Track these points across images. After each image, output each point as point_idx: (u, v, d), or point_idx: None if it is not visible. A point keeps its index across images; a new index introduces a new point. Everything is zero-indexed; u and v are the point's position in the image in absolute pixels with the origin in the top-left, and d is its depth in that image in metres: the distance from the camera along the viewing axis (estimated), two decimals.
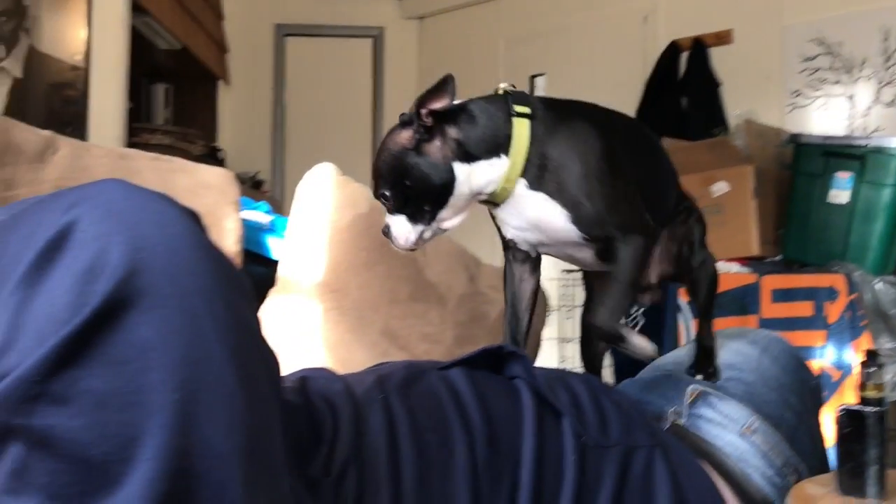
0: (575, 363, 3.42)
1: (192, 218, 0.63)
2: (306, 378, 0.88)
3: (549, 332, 3.44)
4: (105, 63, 3.18)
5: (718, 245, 2.76)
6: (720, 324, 2.71)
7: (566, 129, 1.11)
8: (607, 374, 3.24)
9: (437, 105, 1.04)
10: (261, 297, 1.59)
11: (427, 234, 1.09)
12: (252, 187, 4.51)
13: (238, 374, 0.58)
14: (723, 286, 2.61)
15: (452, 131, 1.06)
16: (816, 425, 1.16)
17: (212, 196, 1.43)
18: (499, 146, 1.07)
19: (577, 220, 1.09)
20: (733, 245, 2.78)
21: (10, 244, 0.58)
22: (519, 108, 1.08)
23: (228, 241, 1.43)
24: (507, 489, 0.83)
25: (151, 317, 0.55)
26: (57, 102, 3.10)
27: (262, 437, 0.61)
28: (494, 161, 1.07)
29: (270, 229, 1.69)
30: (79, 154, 1.27)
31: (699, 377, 1.17)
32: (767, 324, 2.51)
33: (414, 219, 1.08)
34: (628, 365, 2.77)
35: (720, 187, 2.81)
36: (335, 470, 0.74)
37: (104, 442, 0.53)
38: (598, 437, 0.93)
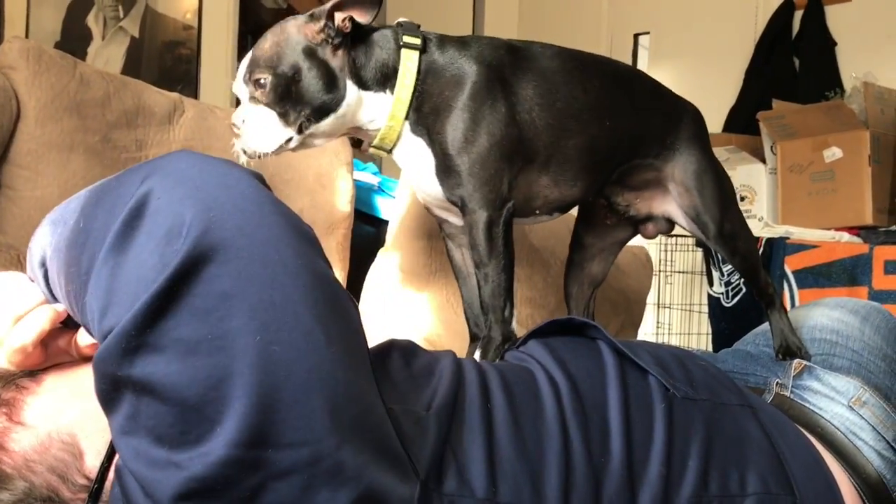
0: (672, 329, 3.38)
1: (256, 178, 0.68)
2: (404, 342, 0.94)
3: (648, 298, 3.41)
4: (215, 22, 3.27)
5: (829, 213, 2.71)
6: (829, 294, 2.62)
7: (453, 68, 1.00)
8: (704, 343, 3.20)
9: (360, 16, 0.97)
10: (370, 255, 1.63)
11: (292, 145, 0.98)
12: (352, 146, 4.59)
13: (313, 313, 0.63)
14: (832, 255, 2.55)
15: (354, 51, 0.99)
16: None
17: (326, 157, 1.47)
18: (387, 79, 0.99)
19: (441, 173, 1.01)
20: (845, 213, 2.68)
21: (98, 217, 0.64)
22: (408, 39, 1.00)
23: (342, 201, 1.46)
24: (597, 435, 0.84)
25: (228, 268, 0.60)
26: (169, 60, 3.21)
27: (344, 368, 0.65)
28: (381, 95, 0.99)
29: (379, 190, 1.72)
30: (203, 115, 1.32)
31: (787, 360, 1.12)
32: (879, 296, 2.42)
33: (286, 119, 0.96)
34: (728, 332, 2.73)
35: (833, 153, 2.71)
36: (435, 407, 0.77)
37: (198, 385, 0.59)
38: (686, 389, 0.93)
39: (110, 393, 0.63)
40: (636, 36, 4.44)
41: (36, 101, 1.10)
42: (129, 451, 0.64)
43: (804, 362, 1.08)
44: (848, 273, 2.51)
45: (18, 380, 0.77)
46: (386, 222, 1.69)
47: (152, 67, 3.14)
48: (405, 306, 1.54)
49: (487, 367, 0.90)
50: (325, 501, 0.62)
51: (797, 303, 2.62)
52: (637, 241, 1.34)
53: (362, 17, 0.97)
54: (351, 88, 0.98)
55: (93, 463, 0.74)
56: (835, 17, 3.60)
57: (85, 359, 0.81)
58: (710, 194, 1.15)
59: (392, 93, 0.99)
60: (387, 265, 1.53)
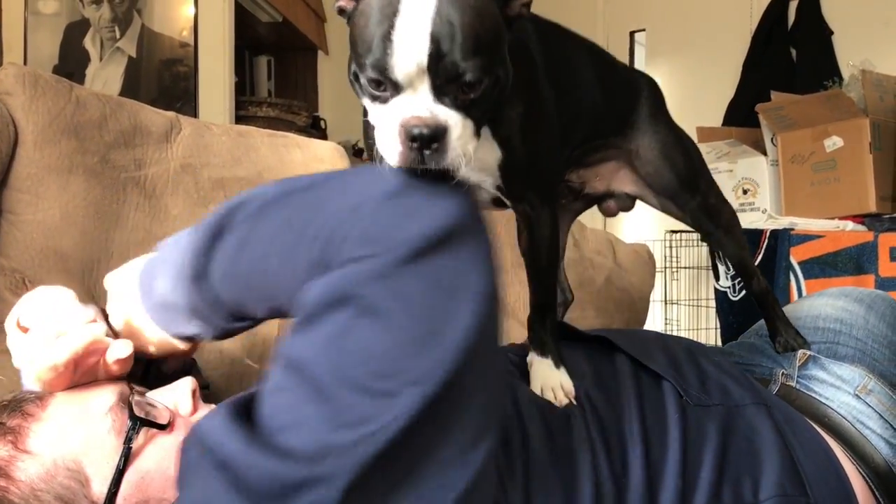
0: (681, 325, 3.37)
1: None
2: None
3: (655, 295, 3.41)
4: (212, 38, 3.28)
5: (833, 202, 2.70)
6: (835, 283, 2.62)
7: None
8: (713, 337, 3.19)
9: None
10: None
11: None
12: (354, 155, 4.60)
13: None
14: (837, 245, 2.55)
15: None
16: None
17: (324, 169, 1.47)
18: None
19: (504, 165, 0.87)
20: (848, 202, 2.68)
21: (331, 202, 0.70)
22: None
23: None
24: (617, 448, 0.85)
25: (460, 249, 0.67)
26: (168, 78, 3.22)
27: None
28: None
29: None
30: (200, 133, 1.33)
31: (783, 351, 1.12)
32: (885, 283, 2.42)
33: (476, 132, 0.74)
34: (736, 326, 2.72)
35: (834, 142, 2.70)
36: None
37: (421, 321, 0.64)
38: (699, 395, 0.93)
39: None
40: (632, 33, 4.44)
41: (34, 126, 1.11)
42: None
43: (808, 352, 1.07)
44: (854, 261, 2.51)
45: (24, 406, 0.78)
46: None
47: (151, 86, 3.16)
48: None
49: (517, 384, 0.92)
50: None
51: (804, 294, 2.61)
52: (639, 237, 1.34)
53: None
54: None
55: (100, 489, 0.75)
56: (830, 6, 3.59)
57: (107, 378, 0.82)
58: (684, 169, 1.11)
59: None
60: None
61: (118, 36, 2.98)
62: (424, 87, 0.69)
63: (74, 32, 2.91)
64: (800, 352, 1.08)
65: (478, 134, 0.74)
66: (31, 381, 0.79)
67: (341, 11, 0.79)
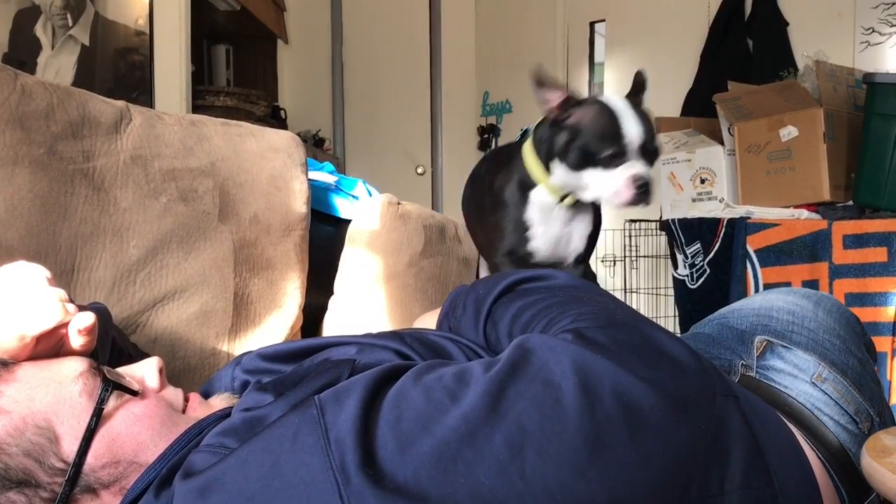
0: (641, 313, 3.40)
1: None
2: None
3: (615, 284, 3.43)
4: (167, 27, 3.23)
5: (788, 191, 2.74)
6: (791, 271, 2.66)
7: None
8: (671, 325, 3.23)
9: None
10: (329, 255, 1.62)
11: None
12: (314, 145, 4.56)
13: None
14: (792, 233, 2.58)
15: None
16: (875, 374, 1.15)
17: (280, 159, 1.45)
18: None
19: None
20: (803, 191, 2.71)
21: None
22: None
23: (297, 202, 1.45)
24: None
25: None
26: (123, 68, 3.16)
27: None
28: None
29: (336, 189, 1.71)
30: (152, 123, 1.30)
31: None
32: (839, 270, 2.46)
33: None
34: (695, 314, 2.75)
35: (789, 132, 2.74)
36: None
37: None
38: None
39: None
40: (592, 24, 4.46)
41: None
42: None
43: (766, 340, 1.09)
44: (808, 249, 2.55)
45: None
46: (346, 221, 1.68)
47: (106, 75, 3.09)
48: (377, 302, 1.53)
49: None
50: None
51: (761, 281, 2.64)
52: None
53: None
54: None
55: (70, 447, 0.77)
56: None
57: (68, 353, 0.85)
58: None
59: None
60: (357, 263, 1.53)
61: (70, 24, 2.92)
62: (639, 158, 1.22)
63: (24, 19, 2.84)
64: (757, 340, 1.10)
65: None
66: None
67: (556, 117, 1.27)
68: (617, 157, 1.20)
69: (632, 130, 1.21)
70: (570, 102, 1.25)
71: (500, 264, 1.33)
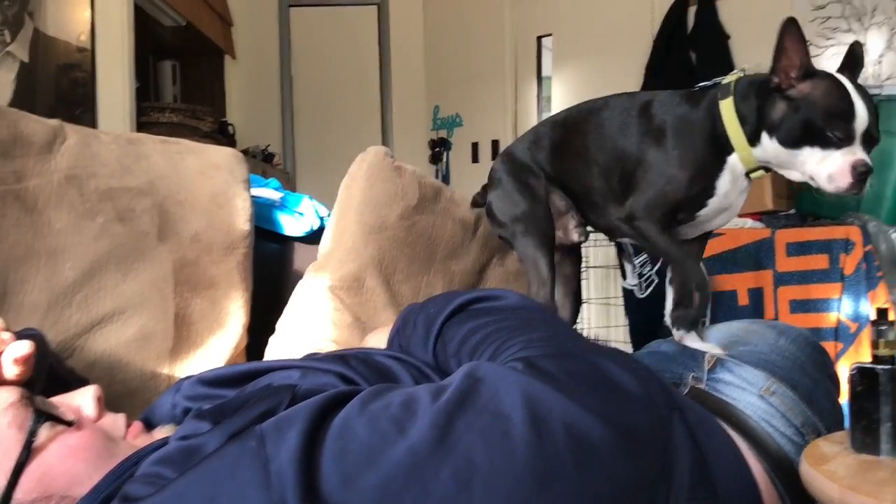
0: (592, 323, 3.43)
1: None
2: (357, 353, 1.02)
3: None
4: (110, 43, 3.18)
5: None
6: (736, 279, 2.69)
7: None
8: (622, 335, 3.26)
9: None
10: (275, 273, 1.60)
11: None
12: (264, 160, 4.52)
13: None
14: (737, 242, 2.62)
15: None
16: (835, 394, 1.17)
17: (221, 176, 1.43)
18: None
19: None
20: (747, 201, 2.75)
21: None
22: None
23: (240, 219, 1.43)
24: None
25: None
26: (65, 84, 3.10)
27: None
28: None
29: (282, 206, 1.69)
30: (87, 142, 1.28)
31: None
32: (783, 278, 2.50)
33: None
34: (643, 323, 2.78)
35: None
36: None
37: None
38: None
39: None
40: (539, 38, 4.51)
41: None
42: None
43: (716, 356, 1.11)
44: (753, 258, 2.59)
45: None
46: (291, 239, 1.66)
47: (47, 93, 3.03)
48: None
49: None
50: None
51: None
52: None
53: None
54: None
55: None
56: (726, 11, 3.72)
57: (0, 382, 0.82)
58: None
59: None
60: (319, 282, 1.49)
61: (8, 40, 2.85)
62: (860, 143, 1.11)
63: None
64: (707, 355, 1.12)
65: None
66: None
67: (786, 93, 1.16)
68: (842, 140, 1.10)
69: (861, 113, 1.10)
70: (805, 72, 1.13)
71: (639, 218, 1.20)
